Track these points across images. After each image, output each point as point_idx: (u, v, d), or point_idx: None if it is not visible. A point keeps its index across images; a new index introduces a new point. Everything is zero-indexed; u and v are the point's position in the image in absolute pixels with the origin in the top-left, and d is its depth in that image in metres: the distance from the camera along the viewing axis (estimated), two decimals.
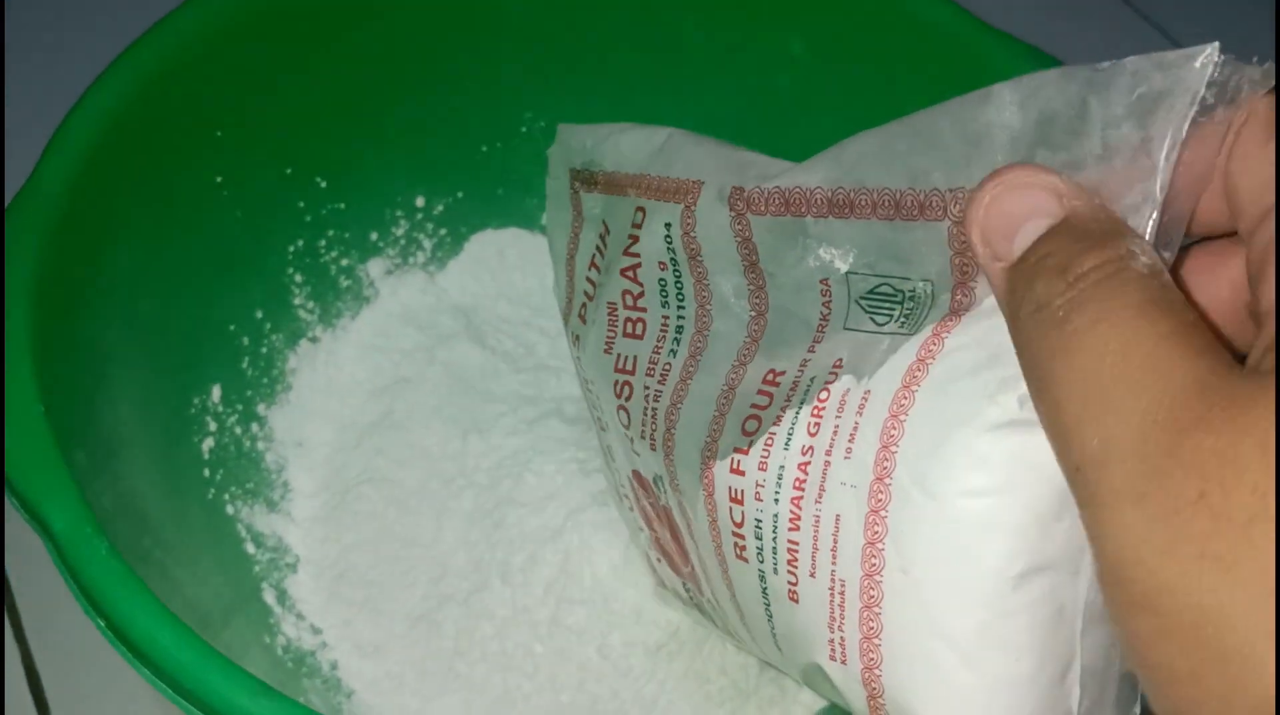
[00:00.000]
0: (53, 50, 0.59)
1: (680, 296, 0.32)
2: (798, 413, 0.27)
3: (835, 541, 0.26)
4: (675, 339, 0.32)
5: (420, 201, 0.49)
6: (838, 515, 0.25)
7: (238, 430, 0.44)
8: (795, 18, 0.44)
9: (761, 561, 0.28)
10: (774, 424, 0.27)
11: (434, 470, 0.44)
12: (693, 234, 0.31)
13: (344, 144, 0.46)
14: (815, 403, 0.27)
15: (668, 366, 0.31)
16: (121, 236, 0.38)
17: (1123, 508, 0.18)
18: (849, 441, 0.25)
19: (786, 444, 0.27)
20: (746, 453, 0.28)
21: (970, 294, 0.25)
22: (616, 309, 0.33)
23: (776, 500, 0.27)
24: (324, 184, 0.46)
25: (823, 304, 0.28)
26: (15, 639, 0.43)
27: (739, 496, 0.28)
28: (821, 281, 0.28)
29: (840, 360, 0.27)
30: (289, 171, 0.45)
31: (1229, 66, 0.21)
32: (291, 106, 0.44)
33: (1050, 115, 0.23)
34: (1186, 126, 0.21)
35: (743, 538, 0.28)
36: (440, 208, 0.50)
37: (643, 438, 0.32)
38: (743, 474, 0.28)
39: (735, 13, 0.45)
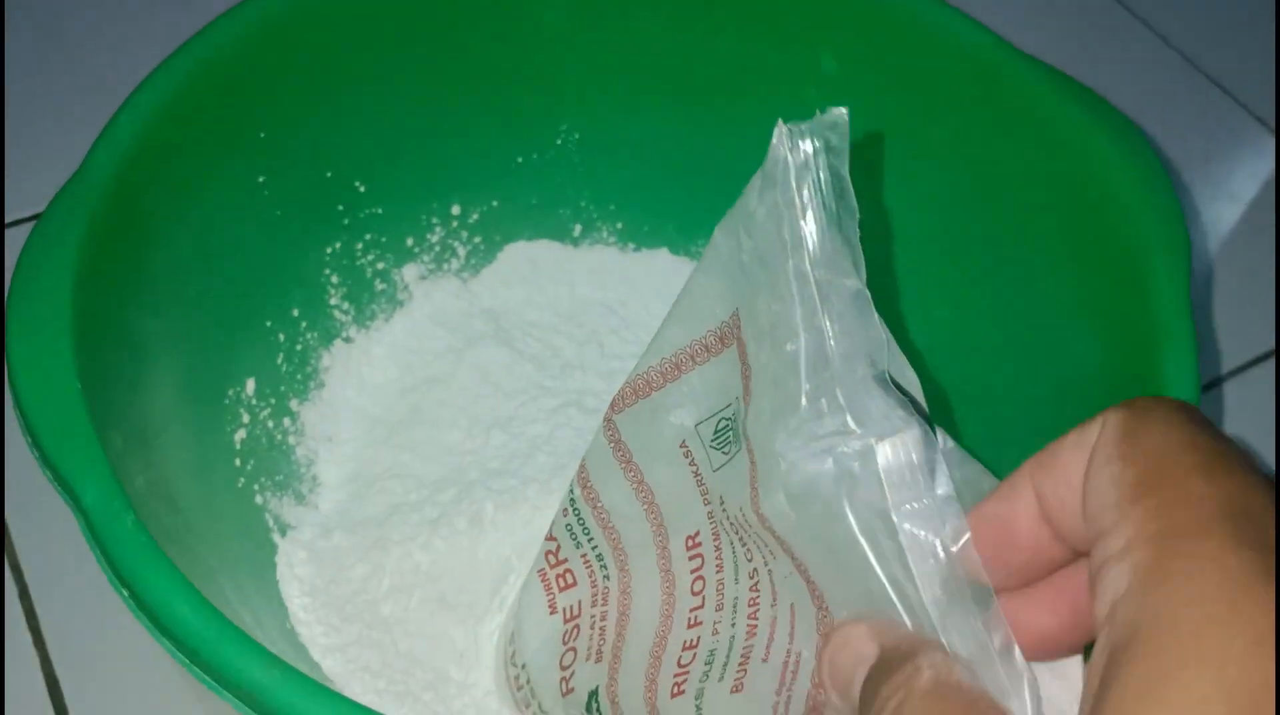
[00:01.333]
0: (107, 49, 0.61)
1: (587, 532, 0.34)
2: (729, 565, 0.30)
3: (792, 625, 0.28)
4: (604, 575, 0.34)
5: (456, 209, 0.50)
6: (791, 604, 0.28)
7: (269, 423, 0.45)
8: (828, 34, 0.45)
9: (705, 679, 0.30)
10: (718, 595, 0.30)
11: (456, 464, 0.45)
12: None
13: (383, 150, 0.47)
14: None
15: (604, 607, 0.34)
16: (165, 228, 0.40)
17: None
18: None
19: (736, 578, 0.30)
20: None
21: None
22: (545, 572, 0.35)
23: (733, 624, 0.30)
24: (363, 188, 0.47)
25: (689, 465, 0.30)
26: (29, 629, 0.44)
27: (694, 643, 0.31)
28: (680, 445, 0.30)
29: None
30: (329, 175, 0.46)
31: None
32: (334, 111, 0.45)
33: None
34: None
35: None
36: (475, 216, 0.51)
37: (587, 659, 0.34)
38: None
39: (768, 27, 0.46)
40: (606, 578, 0.35)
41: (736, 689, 0.30)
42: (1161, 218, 0.37)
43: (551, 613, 0.36)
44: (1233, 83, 0.64)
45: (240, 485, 0.43)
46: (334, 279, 0.48)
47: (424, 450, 0.46)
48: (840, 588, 0.26)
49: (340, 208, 0.47)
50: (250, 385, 0.44)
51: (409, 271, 0.50)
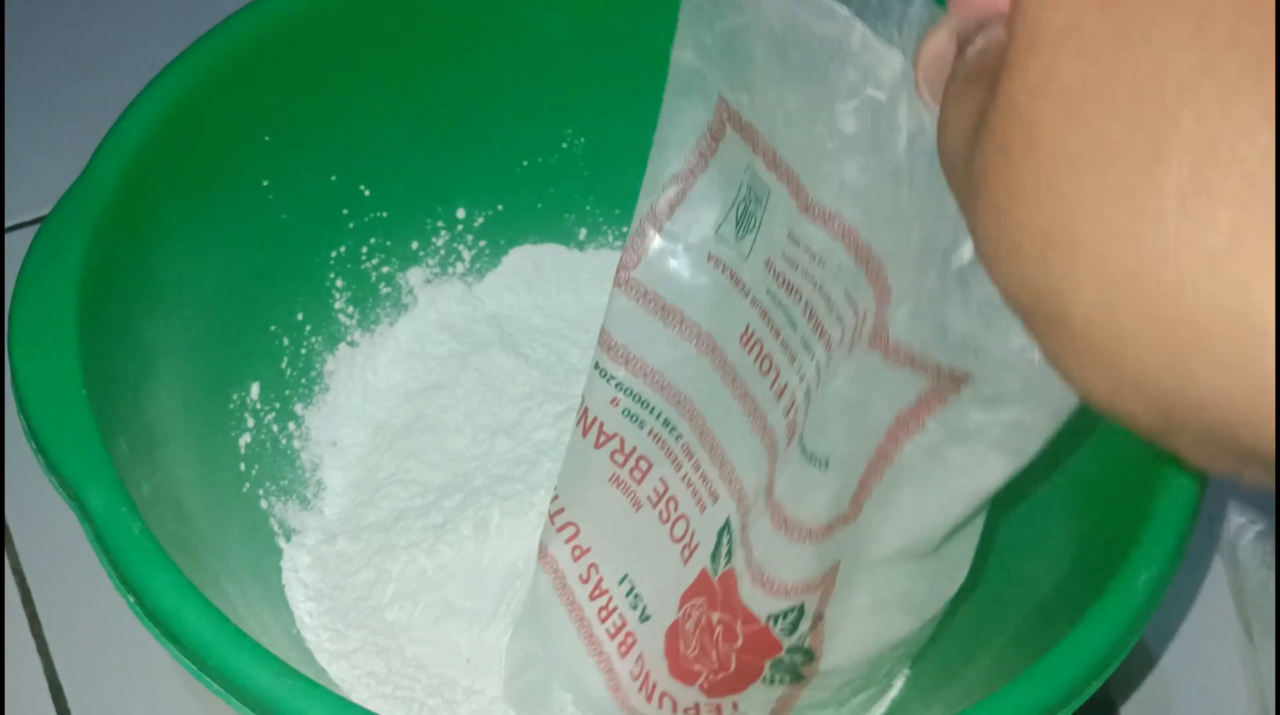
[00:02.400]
0: (109, 52, 0.61)
1: (646, 405, 0.33)
2: None
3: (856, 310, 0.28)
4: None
5: (461, 213, 0.50)
6: (851, 301, 0.28)
7: (274, 428, 0.45)
8: None
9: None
10: None
11: (461, 470, 0.45)
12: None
13: (388, 153, 0.47)
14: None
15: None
16: (169, 233, 0.40)
17: None
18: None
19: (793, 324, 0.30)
20: None
21: None
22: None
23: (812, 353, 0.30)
24: (368, 192, 0.47)
25: (721, 271, 0.32)
26: (33, 634, 0.44)
27: None
28: (708, 258, 0.31)
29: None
30: (334, 178, 0.46)
31: None
32: (339, 115, 0.45)
33: None
34: None
35: None
36: (480, 220, 0.51)
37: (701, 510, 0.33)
38: None
39: None
40: (679, 437, 0.34)
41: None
42: None
43: (636, 510, 0.35)
44: None
45: (245, 490, 0.43)
46: (339, 283, 0.48)
47: (429, 456, 0.46)
48: (896, 228, 0.25)
49: (345, 211, 0.47)
50: (255, 389, 0.44)
51: (414, 275, 0.50)
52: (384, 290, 0.49)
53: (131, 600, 0.30)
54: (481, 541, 0.43)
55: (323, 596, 0.42)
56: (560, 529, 0.37)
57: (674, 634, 0.34)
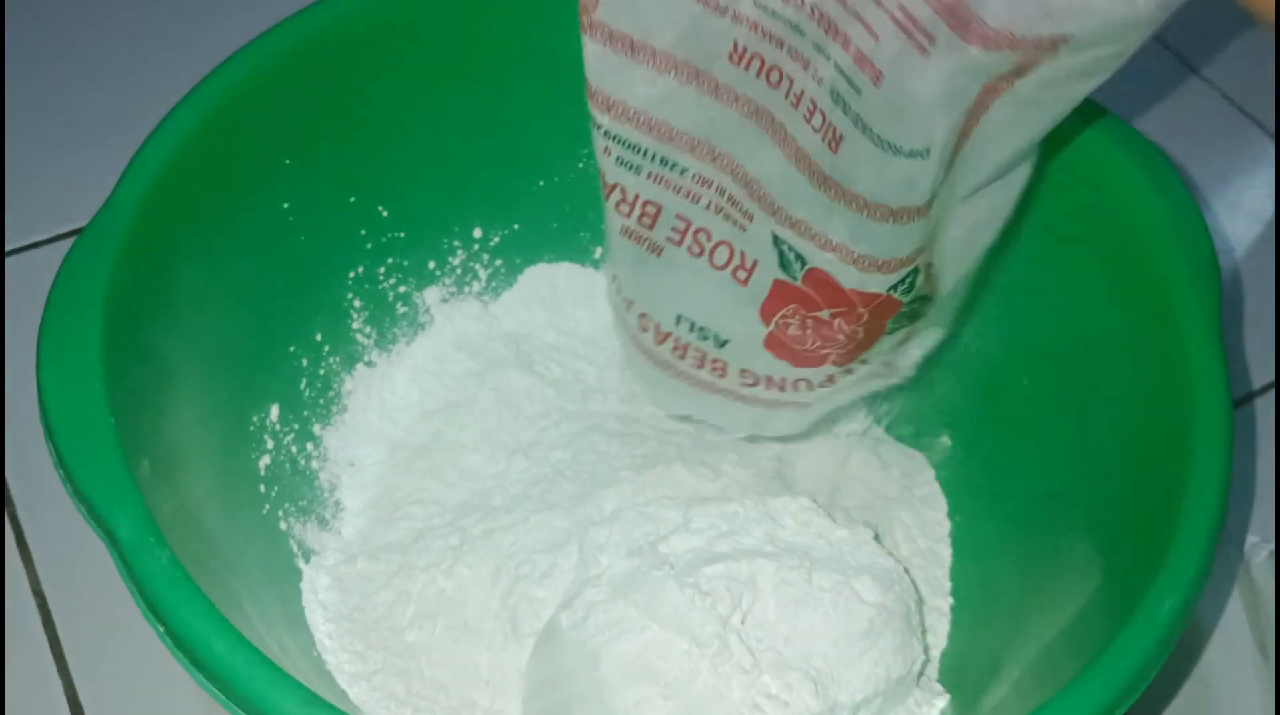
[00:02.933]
0: (135, 79, 0.61)
1: (637, 149, 0.33)
2: None
3: None
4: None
5: (477, 233, 0.51)
6: None
7: (293, 448, 0.45)
8: None
9: None
10: None
11: (478, 490, 0.45)
12: None
13: (406, 175, 0.47)
14: None
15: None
16: (191, 257, 0.40)
17: None
18: None
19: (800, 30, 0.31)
20: None
21: None
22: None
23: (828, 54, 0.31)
24: (385, 213, 0.47)
25: None
26: (51, 653, 0.44)
27: None
28: None
29: None
30: (352, 200, 0.46)
31: None
32: (357, 138, 0.45)
33: None
34: None
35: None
36: (496, 239, 0.51)
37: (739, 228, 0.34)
38: None
39: None
40: (683, 171, 0.34)
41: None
42: (1190, 248, 0.37)
43: (658, 254, 0.35)
44: (1242, 96, 0.65)
45: (265, 511, 0.43)
46: (356, 303, 0.48)
47: (446, 475, 0.46)
48: None
49: (363, 232, 0.47)
50: (274, 411, 0.44)
51: (430, 294, 0.50)
52: (401, 310, 0.50)
53: (160, 629, 0.30)
54: (500, 562, 0.43)
55: (342, 618, 0.42)
56: (611, 283, 0.37)
57: (776, 342, 0.36)
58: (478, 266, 0.51)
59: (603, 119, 0.33)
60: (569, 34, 0.46)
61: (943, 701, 0.40)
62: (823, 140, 0.32)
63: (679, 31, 0.31)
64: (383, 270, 0.48)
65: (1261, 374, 0.54)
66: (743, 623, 0.38)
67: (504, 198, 0.50)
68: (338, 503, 0.46)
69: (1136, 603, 0.31)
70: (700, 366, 0.37)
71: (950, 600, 0.44)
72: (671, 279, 0.36)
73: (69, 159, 0.58)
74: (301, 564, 0.43)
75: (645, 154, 0.34)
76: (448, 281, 0.51)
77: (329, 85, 0.43)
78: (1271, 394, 0.53)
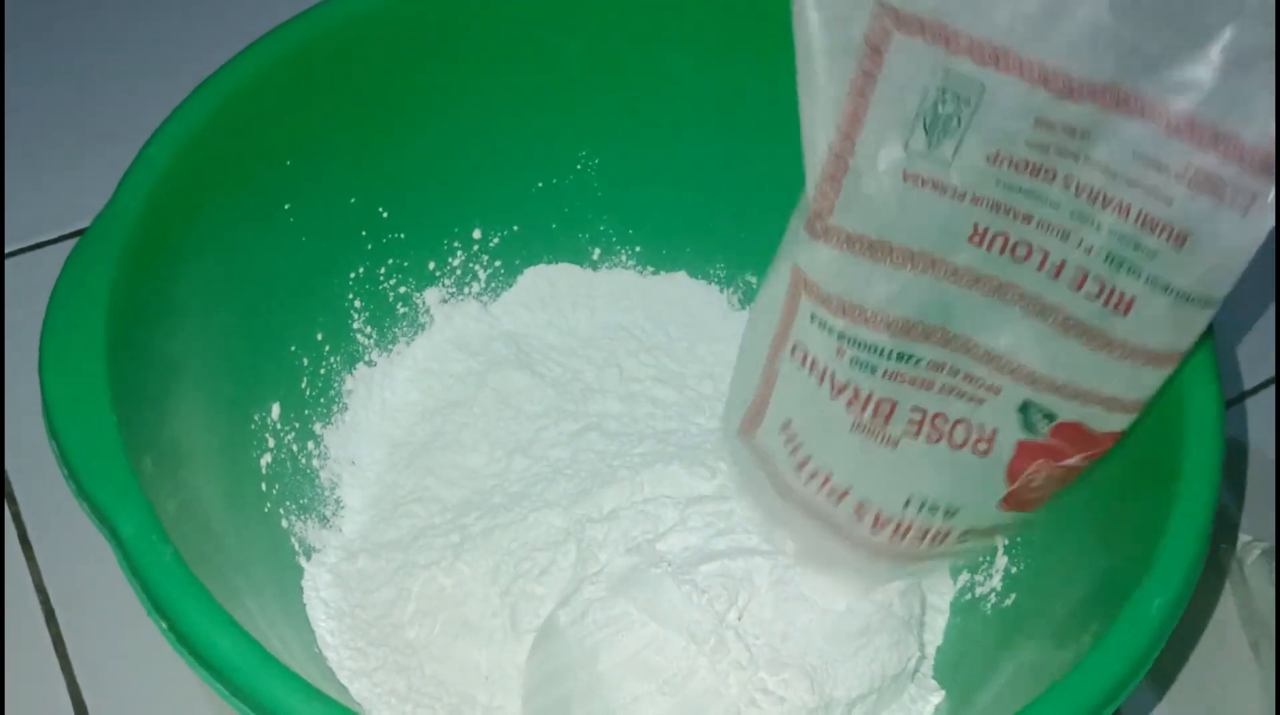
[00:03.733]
0: (139, 79, 0.62)
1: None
2: None
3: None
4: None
5: (477, 233, 0.51)
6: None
7: (294, 447, 0.45)
8: None
9: None
10: None
11: (478, 488, 0.45)
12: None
13: (406, 176, 0.48)
14: None
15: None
16: (194, 257, 0.40)
17: None
18: None
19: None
20: None
21: None
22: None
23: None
24: (386, 214, 0.48)
25: (925, 187, 0.32)
26: (55, 652, 0.45)
27: None
28: (902, 178, 0.32)
29: None
30: (353, 201, 0.47)
31: None
32: (358, 139, 0.46)
33: None
34: None
35: None
36: (496, 240, 0.51)
37: None
38: None
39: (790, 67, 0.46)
40: (917, 362, 0.34)
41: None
42: None
43: (894, 447, 0.35)
44: None
45: (267, 509, 0.43)
46: (357, 303, 0.48)
47: (446, 474, 0.46)
48: None
49: (364, 233, 0.48)
50: (276, 410, 0.45)
51: (430, 295, 0.51)
52: (401, 310, 0.50)
53: (164, 626, 0.31)
54: (499, 560, 0.43)
55: (343, 615, 0.43)
56: (810, 477, 0.37)
57: (1017, 497, 0.36)
58: (477, 267, 0.51)
59: (837, 323, 0.33)
60: (569, 36, 0.47)
61: (937, 698, 0.40)
62: (1105, 305, 0.32)
63: (917, 224, 0.32)
64: (383, 270, 0.49)
65: (1253, 374, 0.54)
66: (739, 620, 0.38)
67: (503, 199, 0.51)
68: (338, 501, 0.46)
69: (1127, 601, 0.32)
70: (922, 540, 0.37)
71: (945, 598, 0.44)
72: (905, 466, 0.36)
73: (69, 161, 0.58)
74: (303, 561, 0.44)
75: (882, 352, 0.33)
76: (448, 282, 0.51)
77: (330, 87, 0.44)
78: (1263, 393, 0.53)
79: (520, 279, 0.52)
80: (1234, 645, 0.46)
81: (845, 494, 0.36)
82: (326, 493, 0.46)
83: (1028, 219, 0.31)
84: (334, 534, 0.45)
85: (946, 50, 0.29)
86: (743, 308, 0.53)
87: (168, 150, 0.39)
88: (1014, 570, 0.42)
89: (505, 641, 0.42)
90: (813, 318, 0.34)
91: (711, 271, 0.53)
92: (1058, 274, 0.32)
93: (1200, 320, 0.32)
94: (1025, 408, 0.34)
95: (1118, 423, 0.34)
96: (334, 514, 0.46)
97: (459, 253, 0.51)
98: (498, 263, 0.52)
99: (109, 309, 0.36)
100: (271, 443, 0.44)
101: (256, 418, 0.44)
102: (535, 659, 0.40)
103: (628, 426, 0.48)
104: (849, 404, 0.34)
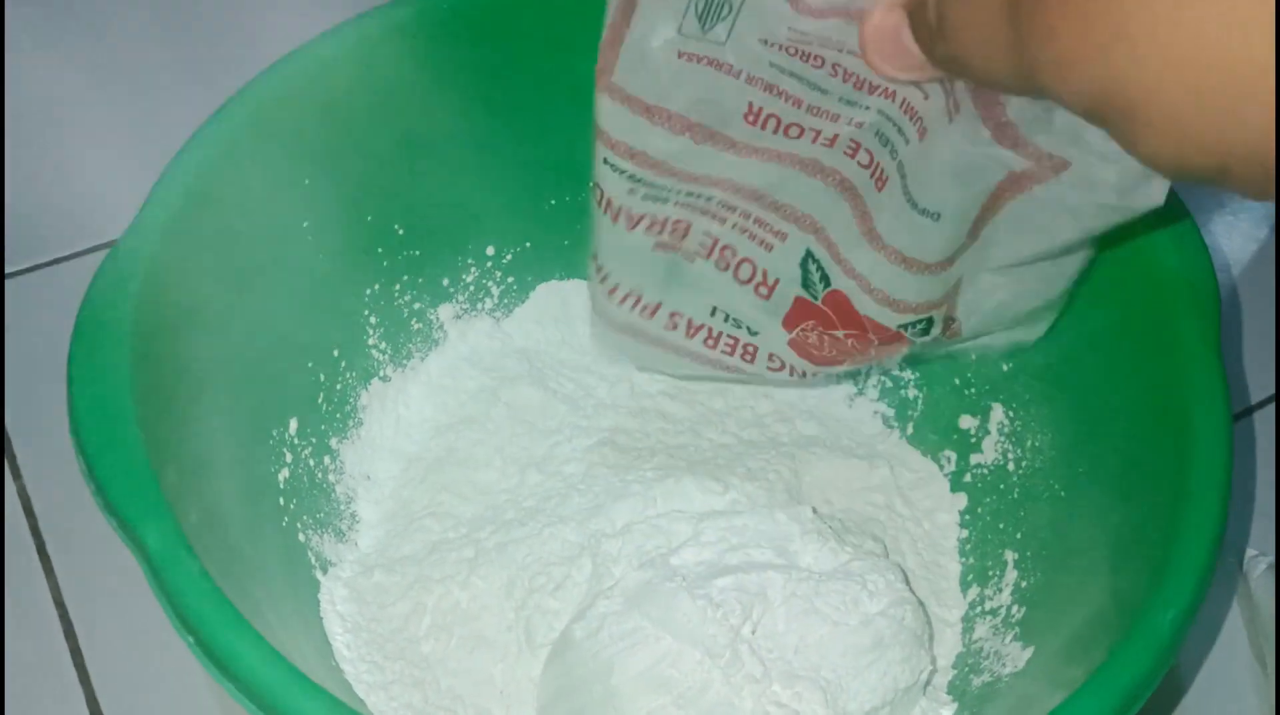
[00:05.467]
0: (162, 101, 0.62)
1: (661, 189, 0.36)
2: None
3: None
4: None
5: (490, 250, 0.51)
6: None
7: (311, 462, 0.46)
8: None
9: None
10: None
11: (492, 503, 0.46)
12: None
13: (421, 194, 0.48)
14: None
15: None
16: (214, 275, 0.41)
17: None
18: None
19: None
20: None
21: None
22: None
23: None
24: (401, 232, 0.48)
25: (698, 60, 0.33)
26: (74, 664, 0.45)
27: None
28: (678, 55, 0.33)
29: None
30: (370, 219, 0.47)
31: None
32: (374, 159, 0.46)
33: None
34: None
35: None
36: (509, 257, 0.52)
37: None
38: None
39: None
40: (709, 198, 0.35)
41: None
42: (1189, 266, 0.38)
43: (691, 262, 0.38)
44: None
45: (284, 523, 0.44)
46: (372, 319, 0.49)
47: (460, 489, 0.47)
48: None
49: (380, 250, 0.48)
50: (293, 425, 0.45)
51: (444, 311, 0.51)
52: (415, 326, 0.51)
53: (190, 640, 0.31)
54: (514, 574, 0.44)
55: (360, 629, 0.43)
56: (621, 301, 0.39)
57: (799, 345, 0.39)
58: (490, 283, 0.52)
59: (626, 164, 0.35)
60: (581, 57, 0.48)
61: (949, 711, 0.40)
62: (870, 176, 0.34)
63: (692, 98, 0.33)
64: (398, 287, 0.49)
65: (1260, 389, 0.55)
66: (753, 633, 0.39)
67: (516, 216, 0.51)
68: (354, 515, 0.47)
69: (1137, 614, 0.32)
70: (731, 353, 0.40)
71: (957, 611, 0.45)
72: (704, 281, 0.38)
73: (70, 182, 0.58)
74: (319, 575, 0.44)
75: (673, 189, 0.36)
76: (461, 298, 0.52)
77: (348, 108, 0.44)
78: (1270, 408, 0.54)
79: (533, 295, 0.53)
80: (1239, 659, 0.46)
81: (657, 308, 0.39)
82: (342, 507, 0.47)
83: (798, 103, 0.33)
84: (350, 548, 0.46)
85: None
86: None
87: (189, 172, 0.40)
88: (1024, 584, 0.42)
89: (520, 655, 0.42)
90: (605, 161, 0.35)
91: None
92: (832, 144, 0.34)
93: (921, 232, 0.33)
94: (805, 262, 0.36)
95: (878, 313, 0.36)
96: (350, 528, 0.46)
97: (472, 269, 0.51)
98: (510, 279, 0.52)
99: (134, 325, 0.36)
100: (289, 457, 0.45)
101: (274, 433, 0.44)
102: (550, 673, 0.41)
103: (639, 441, 0.48)
104: (648, 229, 0.37)
